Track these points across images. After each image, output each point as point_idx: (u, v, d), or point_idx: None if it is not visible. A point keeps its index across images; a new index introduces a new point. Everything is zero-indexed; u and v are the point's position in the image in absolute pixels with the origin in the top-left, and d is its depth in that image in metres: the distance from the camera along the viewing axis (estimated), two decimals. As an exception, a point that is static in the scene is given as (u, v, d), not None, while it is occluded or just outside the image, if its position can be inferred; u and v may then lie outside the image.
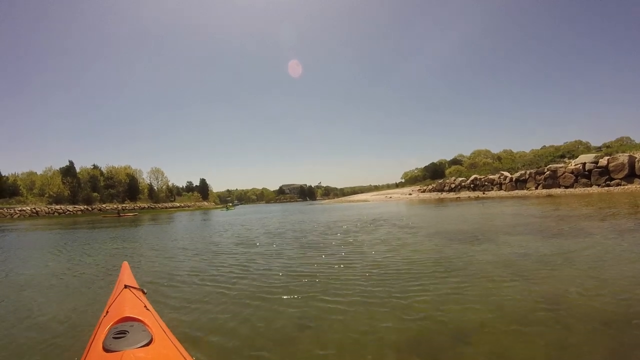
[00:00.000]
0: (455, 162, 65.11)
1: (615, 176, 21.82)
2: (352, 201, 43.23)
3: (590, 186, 22.78)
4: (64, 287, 4.28)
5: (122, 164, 62.88)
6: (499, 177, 31.92)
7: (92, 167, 58.87)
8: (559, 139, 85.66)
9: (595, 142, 43.49)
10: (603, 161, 22.84)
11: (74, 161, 54.64)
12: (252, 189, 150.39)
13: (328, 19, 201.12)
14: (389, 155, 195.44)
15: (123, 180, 59.42)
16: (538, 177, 27.29)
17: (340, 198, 71.70)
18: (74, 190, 49.61)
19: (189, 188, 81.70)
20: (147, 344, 1.46)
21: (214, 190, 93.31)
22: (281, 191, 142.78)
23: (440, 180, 44.42)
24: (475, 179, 35.35)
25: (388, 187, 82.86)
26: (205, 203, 73.97)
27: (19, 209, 39.71)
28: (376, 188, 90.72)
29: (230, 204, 62.03)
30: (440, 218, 11.81)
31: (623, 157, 21.80)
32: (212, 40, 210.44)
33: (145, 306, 1.96)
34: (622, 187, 20.61)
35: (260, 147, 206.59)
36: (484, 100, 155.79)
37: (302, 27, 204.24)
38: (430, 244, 5.95)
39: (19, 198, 45.64)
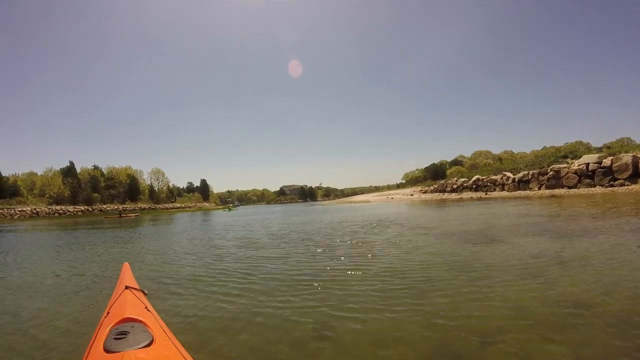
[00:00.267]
0: (456, 162, 65.10)
1: (619, 176, 21.69)
2: (354, 202, 43.11)
3: (594, 186, 22.64)
4: (64, 288, 4.25)
5: (122, 164, 63.16)
6: (502, 178, 31.80)
7: (92, 167, 58.86)
8: (559, 140, 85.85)
9: (596, 142, 43.49)
10: (607, 161, 22.71)
11: (74, 161, 54.78)
12: (253, 189, 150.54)
13: (328, 19, 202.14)
14: (389, 156, 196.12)
15: (124, 181, 59.43)
16: (541, 178, 27.16)
17: (341, 199, 71.59)
18: (74, 191, 49.57)
19: (190, 189, 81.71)
20: (148, 345, 1.46)
21: (214, 191, 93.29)
22: (282, 192, 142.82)
23: (442, 181, 44.31)
24: (478, 179, 35.24)
25: (389, 187, 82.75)
26: (206, 204, 73.91)
27: (19, 209, 39.68)
28: (377, 189, 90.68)
29: (232, 205, 62.31)
30: (446, 219, 11.65)
31: (627, 157, 21.67)
32: (212, 40, 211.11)
33: (146, 307, 1.96)
34: (626, 187, 20.47)
35: (261, 148, 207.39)
36: (484, 101, 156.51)
37: (302, 27, 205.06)
38: (443, 246, 5.79)
39: (19, 198, 45.64)
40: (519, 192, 28.16)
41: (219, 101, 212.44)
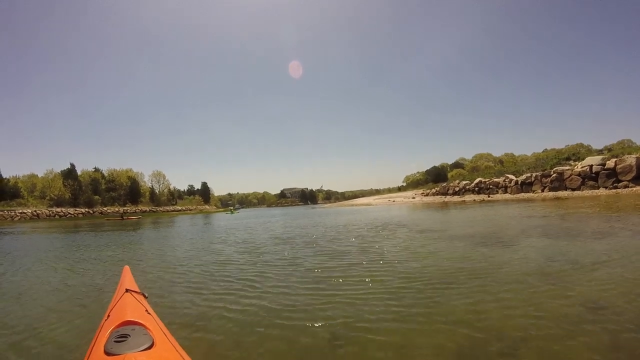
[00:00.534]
0: (457, 165, 64.92)
1: (623, 178, 21.54)
2: (356, 205, 42.90)
3: (598, 188, 22.48)
4: (65, 291, 4.26)
5: (122, 165, 63.19)
6: (504, 180, 31.65)
7: (93, 169, 58.79)
8: (560, 142, 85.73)
9: (596, 144, 43.34)
10: (610, 163, 22.57)
11: (74, 162, 54.75)
12: (253, 192, 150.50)
13: (328, 19, 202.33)
14: (389, 158, 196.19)
15: (124, 184, 59.33)
16: (544, 180, 26.99)
17: (342, 202, 71.37)
18: (75, 193, 49.44)
19: (191, 191, 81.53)
20: (149, 348, 1.46)
21: (215, 194, 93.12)
22: (282, 195, 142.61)
23: (444, 184, 44.11)
24: (480, 182, 35.06)
25: (390, 190, 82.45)
26: (207, 207, 73.71)
27: (20, 211, 39.58)
28: (378, 192, 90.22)
29: (233, 208, 62.46)
30: (453, 222, 11.49)
31: (631, 159, 21.54)
32: (212, 40, 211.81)
33: (146, 310, 1.96)
34: (630, 189, 20.32)
35: (261, 149, 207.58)
36: (484, 101, 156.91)
37: (302, 27, 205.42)
38: (455, 250, 5.63)
39: (20, 200, 45.50)
40: (522, 194, 27.97)
41: (219, 101, 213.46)
